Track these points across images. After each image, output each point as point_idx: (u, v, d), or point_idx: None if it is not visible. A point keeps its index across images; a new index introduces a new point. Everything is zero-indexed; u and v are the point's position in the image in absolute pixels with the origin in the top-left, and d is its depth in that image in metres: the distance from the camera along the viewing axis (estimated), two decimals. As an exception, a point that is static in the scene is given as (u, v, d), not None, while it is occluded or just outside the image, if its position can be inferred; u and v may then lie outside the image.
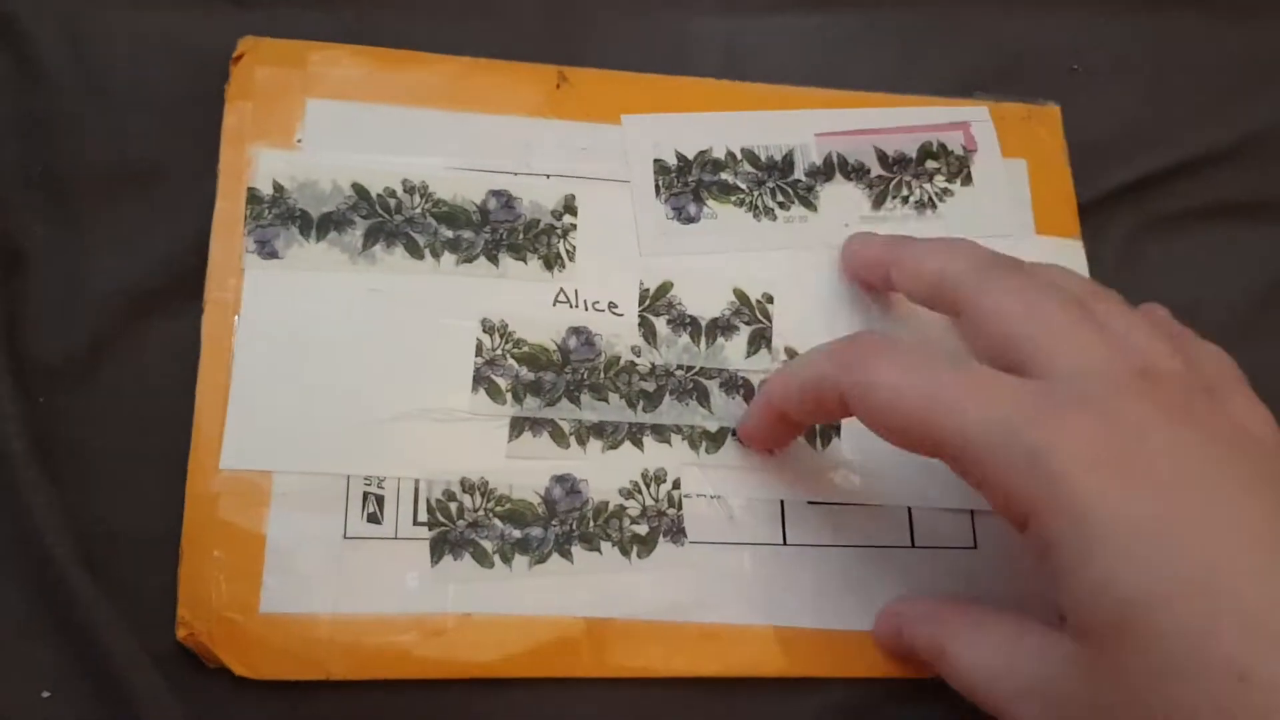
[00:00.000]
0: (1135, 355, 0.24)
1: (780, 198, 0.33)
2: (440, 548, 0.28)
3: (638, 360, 0.30)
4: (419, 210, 0.30)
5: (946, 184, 0.34)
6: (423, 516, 0.28)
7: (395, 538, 0.27)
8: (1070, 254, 0.34)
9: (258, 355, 0.28)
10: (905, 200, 0.33)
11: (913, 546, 0.30)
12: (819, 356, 0.26)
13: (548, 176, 0.32)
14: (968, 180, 0.34)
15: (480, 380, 0.29)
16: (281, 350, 0.28)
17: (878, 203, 0.33)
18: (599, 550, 0.28)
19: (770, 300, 0.32)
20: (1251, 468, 0.22)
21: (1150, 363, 0.24)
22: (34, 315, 0.28)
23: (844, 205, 0.33)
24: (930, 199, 0.34)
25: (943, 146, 0.34)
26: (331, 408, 0.28)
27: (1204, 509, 0.21)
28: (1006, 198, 0.34)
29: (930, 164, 0.34)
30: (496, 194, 0.31)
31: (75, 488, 0.27)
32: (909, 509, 0.30)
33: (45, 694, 0.25)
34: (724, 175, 0.33)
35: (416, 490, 0.28)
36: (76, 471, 0.27)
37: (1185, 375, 0.24)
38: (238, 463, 0.27)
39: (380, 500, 0.28)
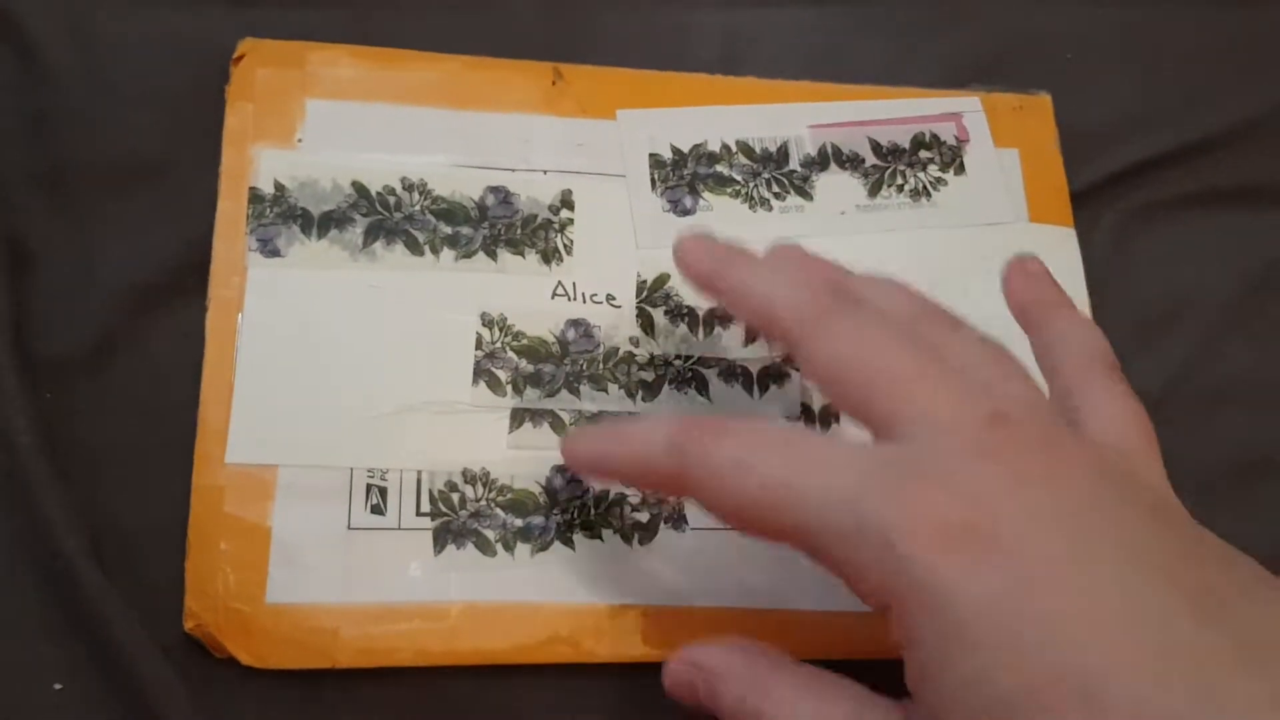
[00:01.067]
0: (984, 396, 0.21)
1: (776, 188, 0.33)
2: (443, 537, 0.28)
3: (636, 351, 0.31)
4: (418, 207, 0.31)
5: (940, 173, 0.34)
6: (425, 507, 0.28)
7: (399, 528, 0.28)
8: (1063, 242, 0.34)
9: (261, 351, 0.28)
10: (900, 189, 0.34)
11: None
12: (650, 439, 0.23)
13: (545, 172, 0.32)
14: (960, 170, 0.34)
15: (480, 373, 0.29)
16: (284, 346, 0.29)
17: (873, 191, 0.33)
18: (601, 538, 0.29)
19: (767, 290, 0.32)
20: (1120, 510, 0.20)
21: (1000, 402, 0.21)
22: (40, 311, 0.28)
23: (840, 193, 0.33)
24: (925, 188, 0.34)
25: (935, 137, 0.35)
26: (334, 402, 0.28)
27: (1074, 585, 0.18)
28: (999, 187, 0.34)
29: (923, 154, 0.34)
30: (494, 190, 0.31)
31: (83, 482, 0.27)
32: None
33: (57, 686, 0.26)
34: (719, 167, 0.33)
35: (419, 481, 0.28)
36: (84, 466, 0.27)
37: (1038, 407, 0.22)
38: (243, 457, 0.28)
39: (383, 492, 0.28)
